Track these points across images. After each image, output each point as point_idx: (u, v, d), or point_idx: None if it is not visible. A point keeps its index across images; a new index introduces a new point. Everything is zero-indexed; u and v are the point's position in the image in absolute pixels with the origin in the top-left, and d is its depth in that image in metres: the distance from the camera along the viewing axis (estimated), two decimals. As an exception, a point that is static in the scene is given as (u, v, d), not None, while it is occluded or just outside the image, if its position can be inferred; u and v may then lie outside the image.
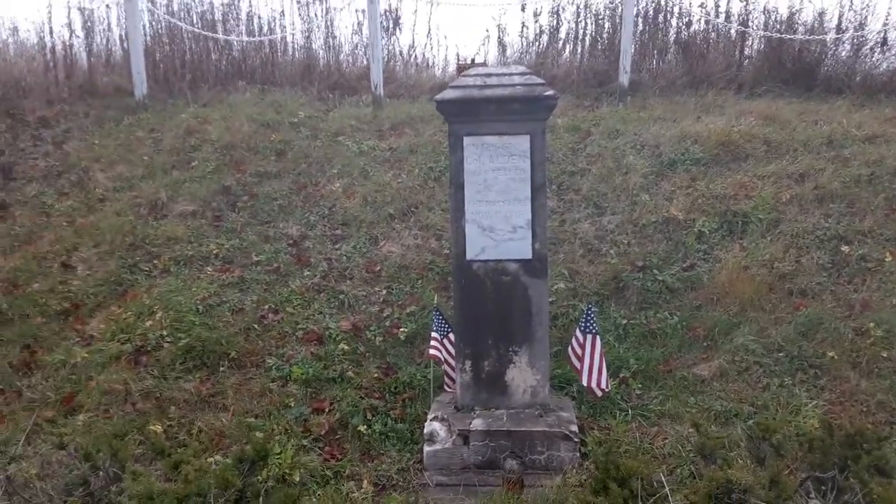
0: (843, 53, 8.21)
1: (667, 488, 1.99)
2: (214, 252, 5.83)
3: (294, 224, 6.17)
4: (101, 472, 2.93)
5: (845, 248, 5.34)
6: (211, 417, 4.37)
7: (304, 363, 4.80)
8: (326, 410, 4.50)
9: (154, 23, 8.87)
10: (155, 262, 5.74)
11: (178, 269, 5.66)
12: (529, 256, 4.16)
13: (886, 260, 5.17)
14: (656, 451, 4.01)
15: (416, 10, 9.03)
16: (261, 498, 2.71)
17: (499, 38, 9.04)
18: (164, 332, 4.93)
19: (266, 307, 5.29)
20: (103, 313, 5.23)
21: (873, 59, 8.14)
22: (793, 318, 4.84)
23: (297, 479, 3.81)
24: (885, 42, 8.09)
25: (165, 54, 8.86)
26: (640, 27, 8.61)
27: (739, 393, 4.41)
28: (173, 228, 6.05)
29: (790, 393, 4.34)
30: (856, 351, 4.56)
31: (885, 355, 4.48)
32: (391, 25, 8.98)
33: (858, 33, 8.11)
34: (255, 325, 5.13)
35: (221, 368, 4.77)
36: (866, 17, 8.12)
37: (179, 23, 8.76)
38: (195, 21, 8.90)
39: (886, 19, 8.06)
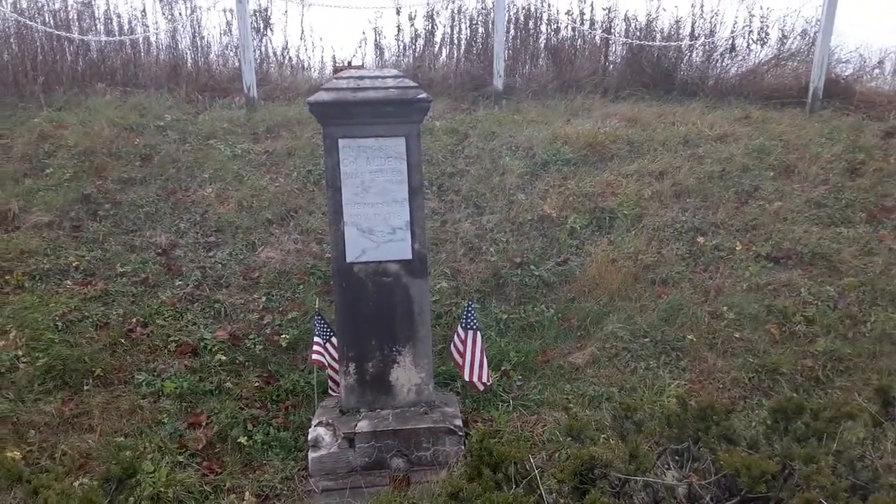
0: (697, 59, 8.89)
1: (535, 471, 2.07)
2: (74, 264, 5.44)
3: (163, 232, 5.87)
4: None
5: (701, 239, 5.78)
6: (75, 439, 4.08)
7: (178, 377, 4.59)
8: (203, 424, 4.32)
9: (1, 21, 8.16)
10: (7, 277, 5.27)
11: (34, 283, 5.23)
12: (409, 257, 4.20)
13: (737, 249, 5.64)
14: (536, 438, 4.17)
15: (286, 11, 8.81)
16: (129, 519, 2.56)
17: (375, 40, 9.05)
18: (20, 352, 4.56)
19: (134, 320, 5.00)
20: (-54, 336, 4.75)
21: (723, 63, 8.86)
22: (656, 305, 5.18)
23: (172, 495, 3.63)
24: (733, 48, 8.83)
25: (14, 55, 8.16)
26: (513, 33, 8.91)
27: (610, 378, 4.66)
28: (27, 241, 5.59)
29: (655, 375, 4.65)
30: (712, 333, 4.94)
31: (737, 336, 4.89)
32: (262, 26, 8.75)
33: (709, 40, 8.80)
34: (122, 340, 4.83)
35: (86, 387, 4.47)
36: (716, 25, 8.84)
37: (30, 22, 8.11)
38: (47, 20, 8.26)
39: (734, 27, 8.81)
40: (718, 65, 8.84)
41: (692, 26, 8.83)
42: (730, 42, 8.83)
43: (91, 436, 4.14)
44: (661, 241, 5.79)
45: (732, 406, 3.13)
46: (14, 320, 4.81)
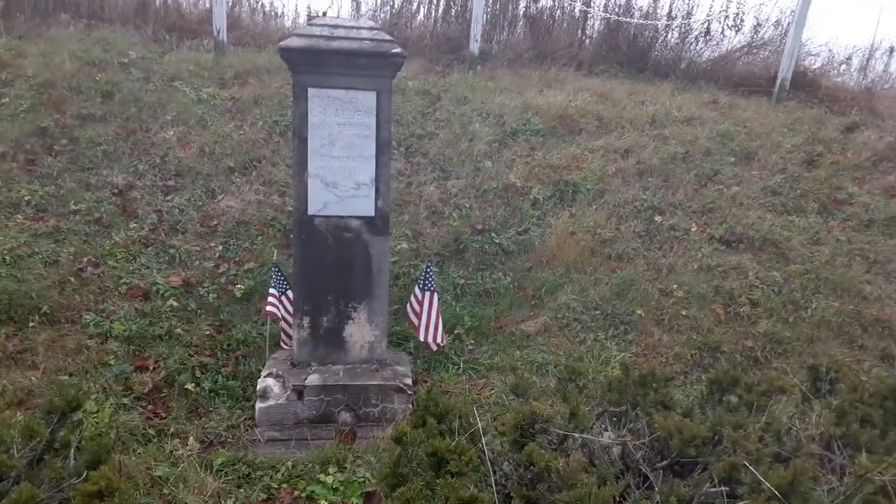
0: (672, 40, 8.96)
1: (479, 424, 2.12)
2: (26, 199, 5.28)
3: (120, 172, 5.72)
4: None
5: (658, 218, 5.88)
6: (18, 375, 4.01)
7: (127, 319, 4.53)
8: (151, 368, 4.28)
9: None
10: (-48, 207, 5.11)
11: (-18, 215, 5.08)
12: (372, 214, 4.18)
13: (692, 230, 5.77)
14: (483, 401, 4.24)
15: (264, -45, 8.59)
16: (72, 451, 2.54)
17: (352, -6, 8.87)
18: (-37, 284, 4.43)
19: (85, 260, 4.90)
20: None
21: (697, 47, 8.95)
22: (609, 279, 5.29)
23: (114, 436, 3.61)
24: (707, 32, 8.92)
25: (-29, -24, 7.78)
26: (492, -2, 8.82)
27: (559, 347, 4.76)
28: (-24, 171, 5.41)
29: (602, 346, 4.76)
30: (660, 309, 5.07)
31: (684, 313, 5.03)
32: (237, -32, 8.50)
33: (686, 21, 8.85)
34: (72, 279, 4.74)
35: (31, 324, 4.38)
36: (693, 7, 8.90)
37: (-12, -60, 7.72)
38: (8, -59, 7.87)
39: (710, 11, 8.88)
40: (692, 48, 8.93)
41: (670, 7, 8.88)
42: (705, 26, 8.90)
43: (34, 373, 4.08)
44: (620, 217, 5.88)
45: (672, 375, 3.24)
46: (-41, 251, 4.67)
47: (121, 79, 6.70)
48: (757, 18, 8.95)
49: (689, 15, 8.89)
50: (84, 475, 2.32)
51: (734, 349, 4.73)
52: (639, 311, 5.01)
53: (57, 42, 7.10)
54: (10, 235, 4.92)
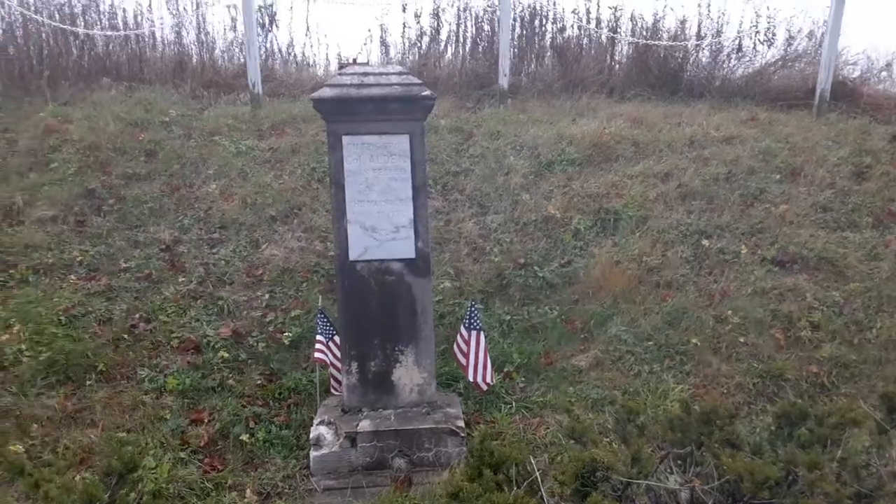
0: (704, 59, 8.86)
1: (537, 472, 2.06)
2: (78, 259, 5.44)
3: (167, 228, 5.87)
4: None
5: (706, 242, 5.75)
6: (78, 434, 4.08)
7: (181, 373, 4.59)
8: (206, 421, 4.32)
9: (6, 15, 8.17)
10: (11, 271, 5.28)
11: (37, 278, 5.24)
12: (413, 256, 4.18)
13: (742, 252, 5.62)
14: (538, 440, 4.15)
15: (291, 7, 8.81)
16: (130, 515, 2.55)
17: (381, 37, 9.04)
18: (23, 346, 4.56)
19: (137, 316, 5.01)
20: (-50, 329, 4.76)
21: (730, 64, 8.83)
22: (660, 308, 5.16)
23: (173, 491, 3.63)
24: (739, 48, 8.80)
25: (20, 49, 8.17)
26: (518, 31, 8.88)
27: (613, 381, 4.65)
28: (31, 235, 5.59)
29: (659, 378, 4.63)
30: (716, 337, 4.92)
31: (742, 340, 4.86)
32: (267, 22, 8.74)
33: (716, 40, 8.77)
34: (125, 336, 4.83)
35: (88, 382, 4.47)
36: (722, 25, 8.81)
37: (35, 16, 8.12)
38: (53, 14, 8.27)
39: (740, 27, 8.78)
40: (725, 65, 8.82)
41: (699, 26, 8.81)
42: (736, 42, 8.81)
43: (93, 431, 4.14)
44: (665, 243, 5.77)
45: (736, 411, 3.12)
46: (17, 314, 4.81)
47: (163, 137, 6.92)
48: (789, 31, 8.79)
49: (718, 33, 8.80)
50: (145, 540, 2.32)
51: (798, 376, 4.54)
52: (694, 340, 4.87)
53: (100, 105, 7.38)
54: (65, 296, 5.06)
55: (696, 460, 2.37)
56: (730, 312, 5.06)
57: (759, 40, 8.76)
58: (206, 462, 4.08)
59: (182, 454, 4.06)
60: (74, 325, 4.84)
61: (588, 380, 4.71)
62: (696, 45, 8.76)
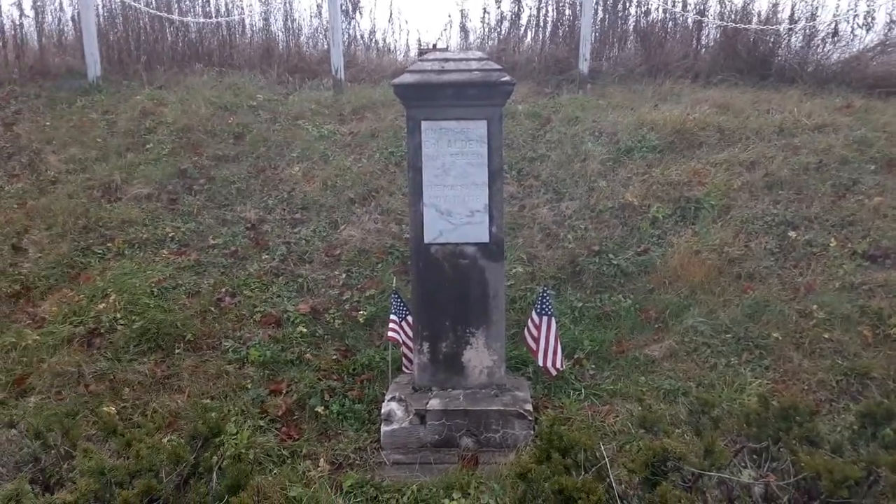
0: (796, 44, 8.44)
1: (606, 459, 2.06)
2: (170, 235, 5.76)
3: (252, 208, 6.12)
4: (52, 450, 2.91)
5: (792, 234, 5.52)
6: (166, 399, 4.35)
7: (262, 346, 4.80)
8: (283, 392, 4.51)
9: (107, 3, 8.66)
10: (109, 244, 5.64)
11: (133, 251, 5.59)
12: (487, 240, 4.22)
13: (831, 245, 5.36)
14: (607, 428, 4.12)
15: (375, -7, 8.98)
16: (214, 474, 2.71)
17: (461, 23, 9.06)
18: (118, 315, 4.88)
19: (223, 290, 5.26)
20: (55, 296, 5.14)
21: (824, 49, 8.37)
22: (740, 300, 5.00)
23: (253, 457, 3.82)
24: (835, 33, 8.33)
25: (119, 35, 8.65)
26: (600, 15, 8.71)
27: (688, 372, 4.55)
28: (128, 211, 5.96)
29: (736, 372, 4.50)
30: (799, 332, 4.73)
31: (826, 336, 4.66)
32: (351, 9, 8.91)
33: (810, 24, 8.33)
34: (212, 308, 5.09)
35: (177, 351, 4.74)
36: (817, 7, 8.36)
37: (133, 3, 8.56)
38: (150, 1, 8.70)
39: (836, 10, 8.31)
40: (819, 50, 8.37)
41: (792, 9, 8.40)
42: (832, 27, 8.33)
43: (180, 396, 4.40)
44: (749, 234, 5.57)
45: (817, 408, 3.01)
46: (114, 285, 5.14)
47: (250, 120, 7.20)
48: (890, 15, 8.25)
49: (813, 17, 8.35)
50: (225, 500, 2.47)
51: (885, 375, 4.31)
52: (775, 335, 4.70)
53: (193, 90, 7.74)
54: (157, 269, 5.37)
55: (772, 456, 2.32)
56: (815, 307, 4.85)
57: (857, 24, 8.28)
58: (282, 431, 4.26)
59: (261, 422, 4.25)
60: (165, 297, 5.13)
61: (661, 370, 4.63)
62: (789, 29, 8.35)
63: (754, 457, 2.37)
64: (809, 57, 8.32)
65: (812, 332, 4.71)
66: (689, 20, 8.67)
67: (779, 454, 2.37)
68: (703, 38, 8.71)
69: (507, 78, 4.05)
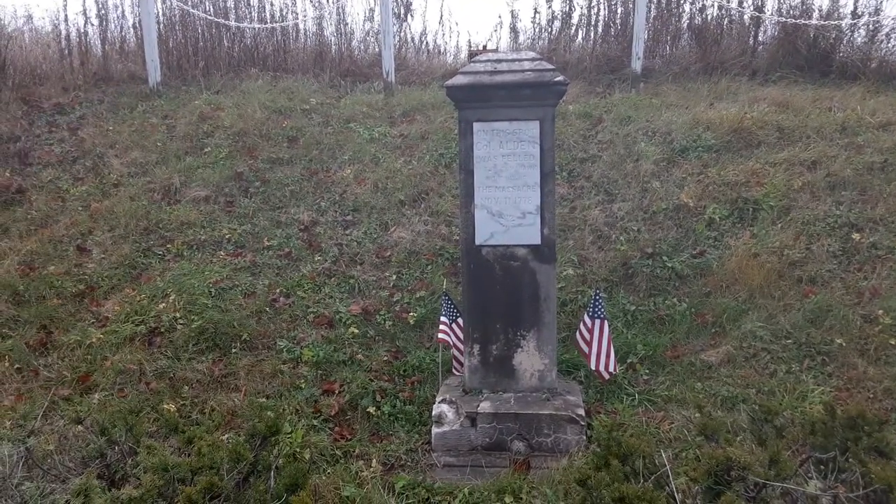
0: (859, 39, 8.13)
1: (668, 467, 2.02)
2: (227, 237, 5.90)
3: (305, 210, 6.22)
4: (116, 446, 3.01)
5: (856, 236, 5.32)
6: (223, 397, 4.45)
7: (315, 346, 4.87)
8: (336, 392, 4.57)
9: (167, 10, 8.92)
10: (168, 246, 5.82)
11: (191, 253, 5.74)
12: (538, 242, 4.19)
13: (898, 247, 5.15)
14: (662, 435, 4.04)
15: (427, -4, 9.02)
16: (272, 472, 2.77)
17: (511, 23, 9.02)
18: (178, 315, 5.02)
19: (277, 291, 5.36)
20: (118, 295, 5.32)
21: (889, 45, 8.04)
22: (801, 305, 4.84)
23: (307, 456, 3.88)
24: (901, 28, 7.99)
25: (178, 41, 8.90)
26: (653, 13, 8.55)
27: (746, 379, 4.42)
28: (186, 213, 6.13)
29: (797, 379, 4.35)
30: (864, 338, 4.55)
31: (893, 343, 4.47)
32: (403, 12, 8.98)
33: (874, 19, 8.01)
34: (267, 309, 5.20)
35: (234, 350, 4.85)
36: (882, 1, 8.04)
37: (192, 10, 8.81)
38: (207, 8, 8.93)
39: (903, 5, 7.97)
40: (884, 46, 8.03)
41: (854, 4, 8.08)
42: (898, 21, 8.00)
43: (237, 395, 4.50)
44: (810, 235, 5.39)
45: (886, 417, 2.89)
46: (173, 285, 5.30)
47: (303, 124, 7.32)
48: (959, 7, 7.89)
49: (877, 11, 8.03)
50: (284, 498, 2.51)
51: (957, 384, 4.12)
52: (838, 341, 4.53)
53: (248, 94, 7.91)
54: (215, 270, 5.51)
55: (840, 466, 2.23)
56: (881, 312, 4.66)
57: (924, 18, 7.91)
58: (336, 431, 4.32)
59: (315, 422, 4.32)
60: (222, 297, 5.26)
61: (718, 376, 4.51)
62: (852, 25, 8.04)
63: (821, 467, 2.29)
64: (873, 53, 7.99)
65: (877, 338, 4.53)
66: (746, 16, 8.44)
67: (846, 465, 2.29)
68: (761, 34, 8.46)
69: (560, 78, 4.02)
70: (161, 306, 5.10)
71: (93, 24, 8.94)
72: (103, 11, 8.98)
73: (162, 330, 4.95)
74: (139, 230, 5.97)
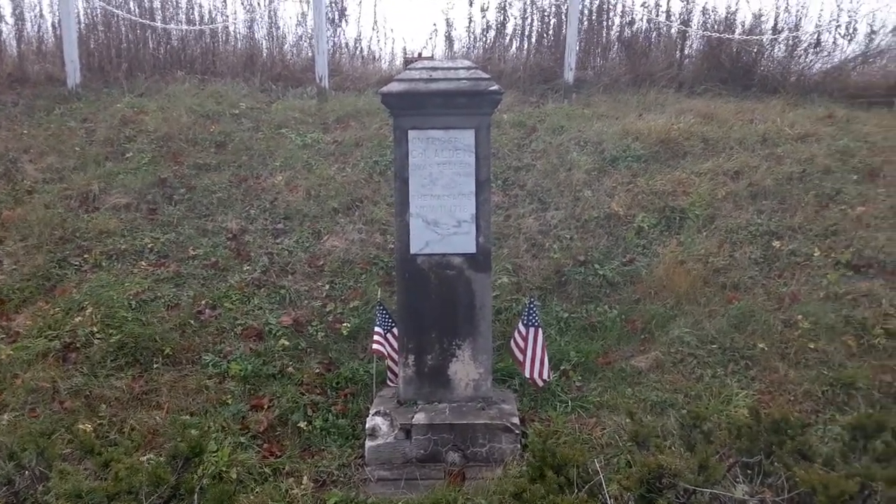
0: (779, 54, 8.52)
1: (601, 475, 2.01)
2: (149, 246, 5.64)
3: (234, 218, 6.02)
4: (26, 471, 2.81)
5: (776, 244, 5.53)
6: (144, 415, 4.24)
7: (243, 359, 4.70)
8: (265, 407, 4.42)
9: (89, 10, 8.54)
10: (85, 256, 5.52)
11: (110, 263, 5.46)
12: (474, 250, 4.18)
13: (815, 255, 5.38)
14: (594, 441, 4.08)
15: (360, 2, 8.91)
16: (195, 495, 2.63)
17: (446, 32, 9.05)
18: (95, 329, 4.76)
19: (203, 302, 5.16)
20: (30, 309, 5.01)
21: (807, 59, 8.46)
22: (726, 310, 4.99)
23: (234, 476, 3.73)
24: (818, 43, 8.42)
25: (100, 42, 8.53)
26: (585, 25, 8.73)
27: (674, 384, 4.52)
28: (105, 222, 5.83)
29: (722, 383, 4.48)
30: (784, 342, 4.73)
31: (812, 346, 4.66)
32: (337, 17, 8.87)
33: (793, 34, 8.41)
34: (192, 321, 4.99)
35: (155, 365, 4.63)
36: (801, 18, 8.45)
37: (115, 10, 8.45)
38: (132, 8, 8.59)
39: (819, 21, 8.40)
40: (802, 60, 8.46)
41: (775, 19, 8.47)
42: (815, 37, 8.42)
43: (159, 413, 4.29)
44: (733, 243, 5.57)
45: (809, 420, 2.98)
46: (91, 297, 5.03)
47: (232, 129, 7.10)
48: (871, 26, 8.35)
49: (796, 27, 8.44)
50: (208, 521, 2.38)
51: (870, 385, 4.31)
52: (760, 345, 4.69)
53: (174, 97, 7.63)
54: (136, 281, 5.26)
55: (765, 470, 2.28)
56: (800, 317, 4.85)
57: (839, 34, 8.37)
58: (265, 447, 4.17)
59: (242, 439, 4.16)
60: (144, 310, 5.02)
61: (647, 381, 4.59)
62: (772, 39, 8.42)
63: (747, 471, 2.33)
64: (792, 67, 8.40)
65: (797, 342, 4.71)
66: (673, 30, 8.72)
67: (772, 468, 2.34)
68: (687, 48, 8.76)
69: (495, 87, 4.03)
70: (77, 320, 4.83)
71: (7, 23, 8.49)
72: (19, 10, 8.53)
73: (78, 345, 4.68)
74: (54, 239, 5.64)
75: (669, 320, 5.02)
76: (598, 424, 4.26)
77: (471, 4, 8.84)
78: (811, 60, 8.43)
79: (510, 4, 8.82)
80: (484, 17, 8.86)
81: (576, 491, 2.03)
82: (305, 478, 3.86)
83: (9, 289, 5.17)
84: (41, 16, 8.74)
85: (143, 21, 8.47)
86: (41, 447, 2.92)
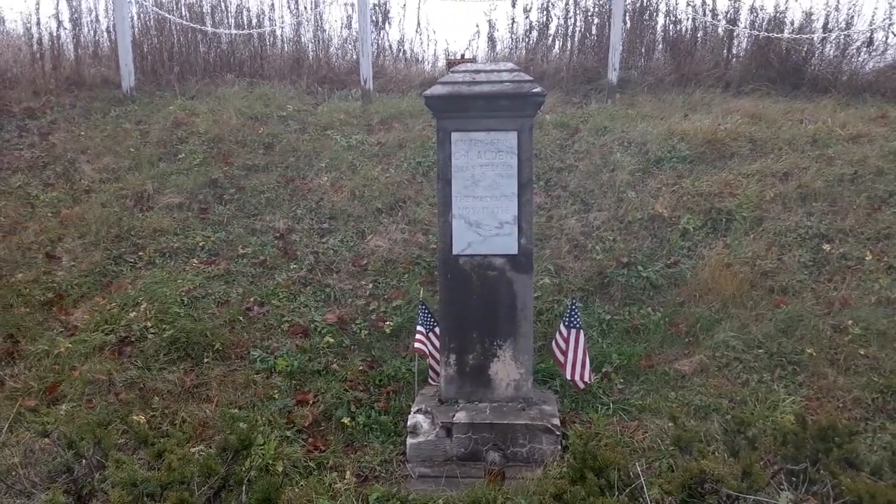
0: (830, 53, 8.30)
1: (643, 479, 2.02)
2: (200, 244, 5.82)
3: (281, 217, 6.17)
4: (84, 460, 2.94)
5: (826, 247, 5.41)
6: (195, 408, 4.38)
7: (289, 355, 4.82)
8: (310, 402, 4.52)
9: (142, 14, 8.81)
10: (140, 253, 5.72)
11: (164, 260, 5.66)
12: (515, 252, 4.20)
13: (866, 258, 5.24)
14: (636, 444, 4.06)
15: (405, 5, 9.02)
16: (243, 486, 2.72)
17: (489, 33, 9.06)
18: (149, 324, 4.93)
19: (251, 300, 5.30)
20: (87, 304, 5.22)
21: (859, 58, 8.22)
22: (773, 315, 4.90)
23: (280, 469, 3.83)
24: (870, 42, 8.17)
25: (153, 46, 8.79)
26: (629, 25, 8.65)
27: (719, 388, 4.46)
28: (159, 220, 6.04)
29: (768, 389, 4.40)
30: (834, 348, 4.62)
31: (862, 353, 4.55)
32: (380, 20, 8.97)
33: (845, 33, 8.19)
34: (241, 318, 5.13)
35: (206, 360, 4.78)
36: (853, 17, 8.21)
37: (168, 15, 8.71)
38: (183, 13, 8.85)
39: (872, 19, 8.16)
40: (854, 59, 8.21)
41: (826, 18, 8.25)
42: (867, 35, 8.18)
43: (208, 406, 4.43)
44: (782, 246, 5.47)
45: (857, 428, 2.93)
46: (145, 293, 5.21)
47: (280, 131, 7.27)
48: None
49: (848, 25, 8.21)
50: (256, 512, 2.47)
51: (924, 393, 4.20)
52: (809, 350, 4.60)
53: (224, 100, 7.83)
54: (188, 278, 5.43)
55: (811, 478, 2.25)
56: (850, 322, 4.74)
57: (892, 33, 8.11)
58: (309, 442, 4.27)
59: (288, 433, 4.27)
60: (195, 306, 5.18)
61: (691, 385, 4.55)
62: (823, 38, 8.21)
63: (792, 479, 2.31)
64: (843, 66, 8.17)
65: (847, 347, 4.61)
66: (720, 29, 8.57)
67: (818, 476, 2.31)
68: (734, 47, 8.60)
69: (538, 89, 4.04)
70: (132, 315, 5.02)
71: (66, 28, 8.80)
72: (76, 15, 8.84)
73: (132, 339, 4.86)
74: (110, 237, 5.87)
75: (714, 324, 4.96)
76: (639, 428, 4.24)
77: (513, 5, 8.84)
78: (863, 59, 8.19)
79: (553, 5, 8.79)
80: (527, 17, 8.87)
81: (616, 494, 2.04)
82: (348, 472, 3.94)
83: (67, 284, 5.40)
84: (97, 20, 9.04)
85: (194, 25, 8.72)
86: (98, 437, 3.06)
